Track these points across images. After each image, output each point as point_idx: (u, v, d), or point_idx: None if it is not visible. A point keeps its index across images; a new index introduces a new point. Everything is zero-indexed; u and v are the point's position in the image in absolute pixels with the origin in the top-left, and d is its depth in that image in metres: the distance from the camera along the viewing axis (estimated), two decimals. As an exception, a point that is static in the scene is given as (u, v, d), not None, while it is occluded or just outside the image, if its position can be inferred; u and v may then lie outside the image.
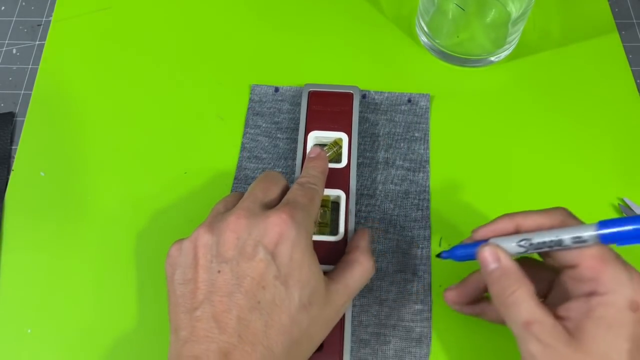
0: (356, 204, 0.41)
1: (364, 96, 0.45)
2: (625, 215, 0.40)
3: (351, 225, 0.39)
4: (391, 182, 0.42)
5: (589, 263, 0.28)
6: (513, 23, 0.44)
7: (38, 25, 0.51)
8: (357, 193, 0.42)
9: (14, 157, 0.44)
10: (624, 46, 0.48)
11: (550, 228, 0.30)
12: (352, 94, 0.44)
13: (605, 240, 0.28)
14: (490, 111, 0.45)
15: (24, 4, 0.52)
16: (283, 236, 0.31)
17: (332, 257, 0.36)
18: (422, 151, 0.43)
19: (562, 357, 0.27)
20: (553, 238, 0.29)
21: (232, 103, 0.46)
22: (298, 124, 0.44)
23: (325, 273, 0.33)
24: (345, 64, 0.48)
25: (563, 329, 0.28)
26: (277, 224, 0.31)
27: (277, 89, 0.46)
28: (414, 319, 0.38)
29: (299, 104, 0.45)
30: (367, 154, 0.43)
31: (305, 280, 0.31)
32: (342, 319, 0.36)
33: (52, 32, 0.50)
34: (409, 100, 0.45)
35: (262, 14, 0.50)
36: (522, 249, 0.31)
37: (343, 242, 0.38)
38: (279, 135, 0.44)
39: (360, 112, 0.45)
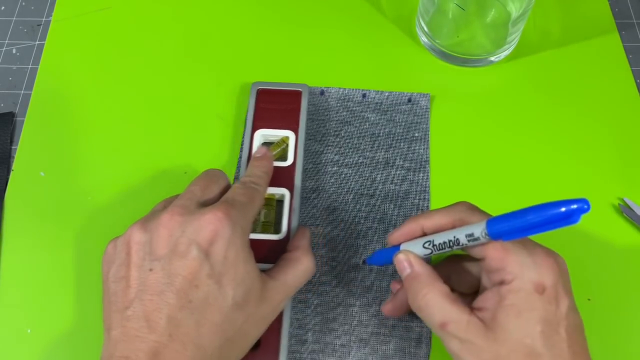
0: (356, 203, 0.41)
1: (364, 95, 0.45)
2: (625, 215, 0.40)
3: (294, 224, 0.38)
4: (391, 182, 0.42)
5: (493, 254, 0.29)
6: (513, 23, 0.44)
7: (38, 25, 0.51)
8: (357, 193, 0.42)
9: (14, 157, 0.44)
10: (624, 46, 0.48)
11: (452, 226, 0.31)
12: (300, 92, 0.43)
13: (493, 236, 0.28)
14: (490, 111, 0.45)
15: (24, 4, 0.52)
16: (218, 234, 0.31)
17: (274, 255, 0.36)
18: (422, 151, 0.43)
19: (480, 350, 0.28)
20: (451, 238, 0.30)
21: (232, 103, 0.46)
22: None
23: (264, 271, 0.33)
24: (345, 64, 0.47)
25: (478, 322, 0.29)
26: (211, 222, 0.31)
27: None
28: (414, 318, 0.37)
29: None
30: (367, 154, 0.43)
31: (239, 279, 0.31)
32: (280, 316, 0.36)
33: (52, 32, 0.50)
34: (409, 100, 0.45)
35: (261, 13, 0.50)
36: (428, 251, 0.31)
37: (285, 240, 0.38)
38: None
39: (361, 111, 0.45)
